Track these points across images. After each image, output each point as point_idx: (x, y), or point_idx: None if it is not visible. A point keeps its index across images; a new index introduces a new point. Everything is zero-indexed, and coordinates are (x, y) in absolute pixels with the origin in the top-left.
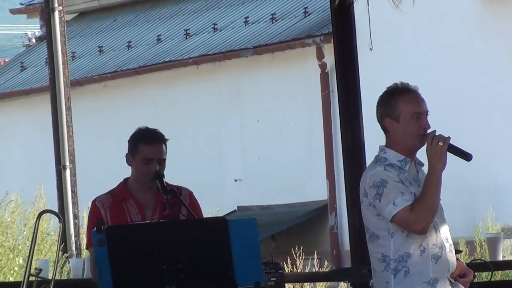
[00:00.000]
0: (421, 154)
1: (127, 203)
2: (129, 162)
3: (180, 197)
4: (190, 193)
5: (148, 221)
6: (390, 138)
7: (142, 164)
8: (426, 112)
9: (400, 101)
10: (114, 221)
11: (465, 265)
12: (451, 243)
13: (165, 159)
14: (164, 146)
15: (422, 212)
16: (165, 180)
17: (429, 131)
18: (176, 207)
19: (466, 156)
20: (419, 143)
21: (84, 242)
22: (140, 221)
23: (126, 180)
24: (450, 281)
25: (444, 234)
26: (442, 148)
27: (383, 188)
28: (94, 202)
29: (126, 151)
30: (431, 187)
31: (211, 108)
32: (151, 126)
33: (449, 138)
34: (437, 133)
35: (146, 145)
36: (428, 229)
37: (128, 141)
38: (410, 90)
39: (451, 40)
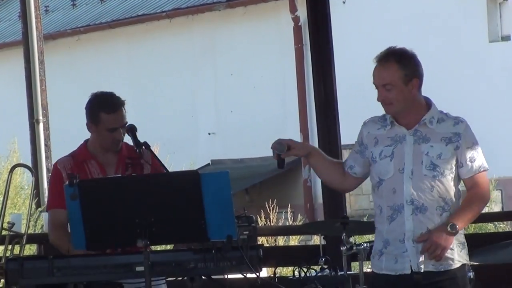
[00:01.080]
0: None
1: (88, 164)
2: (90, 130)
3: (151, 150)
4: (152, 154)
5: (120, 175)
6: None
7: (107, 133)
8: (383, 85)
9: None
10: None
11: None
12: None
13: (127, 122)
14: (124, 110)
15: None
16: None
17: None
18: (138, 166)
19: None
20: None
21: None
22: None
23: (86, 141)
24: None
25: (410, 196)
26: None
27: None
28: (55, 165)
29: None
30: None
31: (184, 62)
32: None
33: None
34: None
35: (109, 114)
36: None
37: (86, 108)
38: (375, 58)
39: None
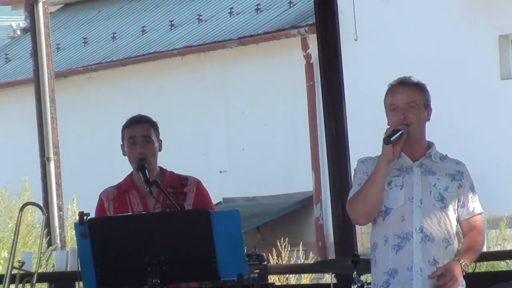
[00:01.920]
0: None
1: (129, 194)
2: (123, 152)
3: (161, 187)
4: (197, 183)
5: (137, 213)
6: None
7: (130, 148)
8: (407, 103)
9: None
10: (116, 212)
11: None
12: (434, 234)
13: (151, 139)
14: (149, 126)
15: (353, 203)
16: (171, 170)
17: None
18: (180, 196)
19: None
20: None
21: (68, 234)
22: (141, 211)
23: (132, 172)
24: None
25: (419, 224)
26: (383, 139)
27: (353, 179)
28: (100, 195)
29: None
30: (368, 179)
31: (196, 100)
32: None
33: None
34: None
35: (129, 127)
36: (367, 220)
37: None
38: (395, 82)
39: (437, 30)
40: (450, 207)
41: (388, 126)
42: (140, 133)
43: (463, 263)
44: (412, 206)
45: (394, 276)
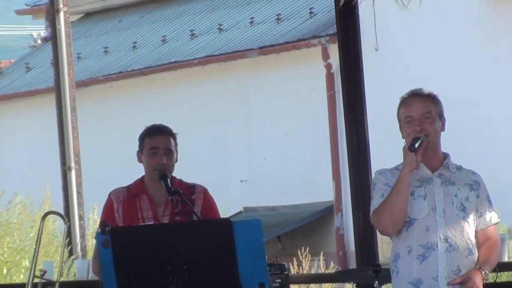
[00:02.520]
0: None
1: (140, 199)
2: (139, 159)
3: (184, 197)
4: (204, 191)
5: (152, 223)
6: None
7: (149, 158)
8: (423, 114)
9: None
10: (125, 216)
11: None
12: (458, 243)
13: (172, 151)
14: (170, 137)
15: (380, 214)
16: (180, 178)
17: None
18: (189, 204)
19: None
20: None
21: (89, 243)
22: (150, 218)
23: (143, 176)
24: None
25: (444, 234)
26: (404, 148)
27: (372, 190)
28: (109, 194)
29: (135, 152)
30: (393, 189)
31: (217, 109)
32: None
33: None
34: (421, 134)
35: (150, 137)
36: (395, 230)
37: (138, 139)
38: (407, 94)
39: (457, 40)
40: (471, 217)
41: (404, 139)
42: (162, 145)
43: (483, 272)
44: (436, 216)
45: (419, 286)
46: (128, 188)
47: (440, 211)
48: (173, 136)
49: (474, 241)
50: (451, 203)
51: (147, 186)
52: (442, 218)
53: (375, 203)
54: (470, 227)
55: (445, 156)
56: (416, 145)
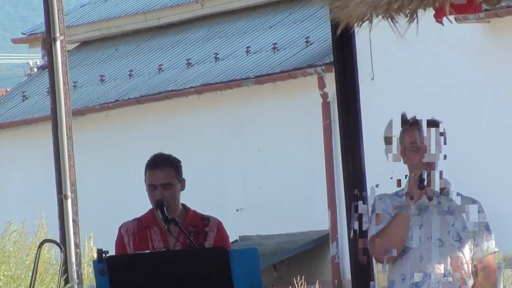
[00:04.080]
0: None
1: (151, 230)
2: (146, 190)
3: (181, 226)
4: (219, 224)
5: (153, 251)
6: None
7: (149, 193)
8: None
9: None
10: (136, 248)
11: None
12: (452, 273)
13: (172, 184)
14: (171, 169)
15: (378, 242)
16: (194, 209)
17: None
18: (201, 236)
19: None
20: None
21: (85, 271)
22: (162, 248)
23: (153, 208)
24: None
25: (438, 263)
26: (411, 181)
27: (371, 214)
28: (119, 228)
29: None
30: (393, 220)
31: (213, 138)
32: (152, 156)
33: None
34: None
35: (150, 170)
36: (391, 259)
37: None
38: (408, 121)
39: (453, 69)
40: (467, 247)
41: (406, 164)
42: (159, 181)
43: None
44: (431, 245)
45: None
46: (139, 220)
47: (436, 241)
48: (175, 166)
49: (469, 271)
50: (447, 233)
51: (156, 217)
52: (437, 248)
53: (373, 229)
54: (465, 257)
55: (446, 183)
56: (425, 183)
